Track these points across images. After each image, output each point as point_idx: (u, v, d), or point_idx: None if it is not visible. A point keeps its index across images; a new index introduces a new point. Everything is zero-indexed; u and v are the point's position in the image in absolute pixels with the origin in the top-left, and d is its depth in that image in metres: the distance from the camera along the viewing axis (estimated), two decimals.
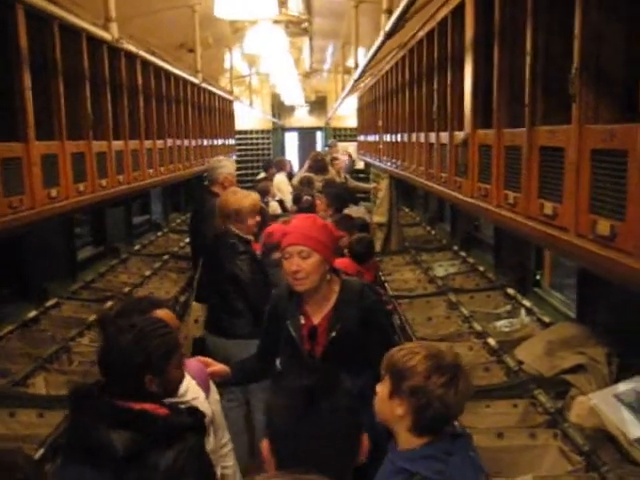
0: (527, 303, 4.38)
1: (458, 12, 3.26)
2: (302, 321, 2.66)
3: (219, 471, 2.48)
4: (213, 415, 2.54)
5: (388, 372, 1.90)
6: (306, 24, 5.89)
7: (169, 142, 5.91)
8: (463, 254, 6.20)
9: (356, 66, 5.26)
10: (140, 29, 4.77)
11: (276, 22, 5.01)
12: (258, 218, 4.06)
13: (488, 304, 4.76)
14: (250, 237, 4.03)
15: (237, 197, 3.94)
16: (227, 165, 5.19)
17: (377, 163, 7.76)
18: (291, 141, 18.73)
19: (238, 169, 9.42)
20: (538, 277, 4.59)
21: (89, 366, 3.78)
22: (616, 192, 1.66)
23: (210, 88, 7.74)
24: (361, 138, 10.41)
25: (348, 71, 8.95)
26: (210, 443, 2.39)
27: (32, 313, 4.32)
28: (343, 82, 9.12)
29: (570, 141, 1.88)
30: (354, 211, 6.10)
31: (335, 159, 10.45)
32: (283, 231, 2.76)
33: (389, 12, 3.05)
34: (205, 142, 7.99)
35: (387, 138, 6.55)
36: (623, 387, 2.86)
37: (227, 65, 9.03)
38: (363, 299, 2.67)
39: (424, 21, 3.99)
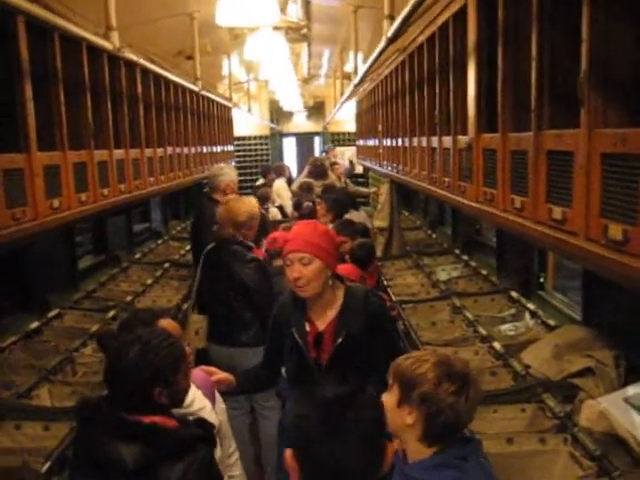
0: (531, 306, 4.37)
1: (459, 16, 3.26)
2: (307, 328, 2.64)
3: None
4: (220, 425, 2.53)
5: (396, 380, 1.88)
6: (305, 30, 5.89)
7: (169, 150, 5.91)
8: (465, 258, 6.18)
9: (356, 71, 5.26)
10: (138, 37, 4.76)
11: (276, 28, 5.01)
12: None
13: (492, 308, 4.75)
14: (252, 244, 4.02)
15: (247, 205, 3.94)
16: (228, 172, 5.18)
17: (377, 168, 7.76)
18: (289, 146, 18.76)
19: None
20: (542, 280, 4.58)
21: (93, 377, 3.76)
22: (628, 196, 1.65)
23: (209, 95, 7.74)
24: (360, 142, 10.41)
25: (346, 76, 8.96)
26: (217, 453, 2.37)
27: (34, 324, 4.30)
28: (342, 87, 9.12)
29: (579, 145, 1.87)
30: (355, 216, 6.09)
31: (335, 164, 10.44)
32: (285, 238, 2.75)
33: (391, 18, 3.04)
34: (204, 149, 7.98)
35: (387, 142, 6.55)
36: (632, 390, 2.84)
37: (225, 72, 9.03)
38: (368, 305, 2.66)
39: (424, 26, 3.98)
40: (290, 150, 18.75)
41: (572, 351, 3.39)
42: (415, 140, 4.75)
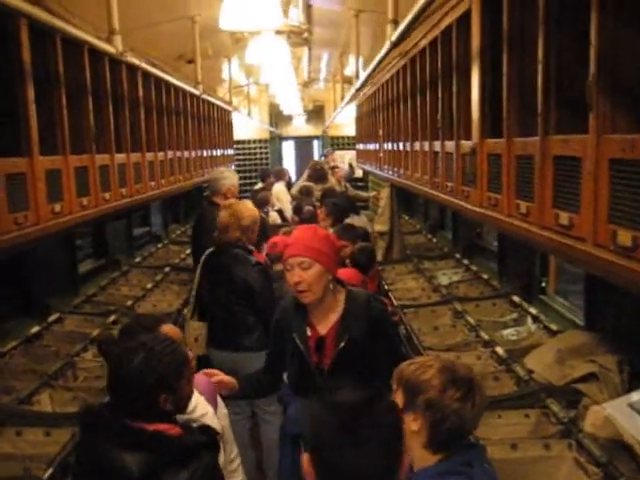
0: (533, 311, 4.36)
1: (463, 21, 3.25)
2: (308, 332, 2.64)
3: None
4: (222, 430, 2.52)
5: (400, 386, 1.87)
6: (306, 34, 5.90)
7: (170, 154, 5.90)
8: (466, 262, 6.18)
9: (357, 75, 5.25)
10: (139, 41, 4.75)
11: (278, 32, 5.01)
12: None
13: (494, 312, 4.74)
14: (253, 248, 4.01)
15: (249, 209, 3.93)
16: (230, 176, 5.17)
17: (377, 172, 7.75)
18: (288, 150, 18.77)
19: None
20: (543, 284, 4.58)
21: (94, 382, 3.75)
22: (637, 202, 1.64)
23: (210, 99, 7.73)
24: (360, 146, 10.40)
25: (346, 80, 8.96)
26: (220, 458, 2.36)
27: (35, 329, 4.28)
28: (342, 91, 9.12)
29: (587, 151, 1.86)
30: (356, 220, 6.07)
31: (335, 167, 10.43)
32: (286, 242, 2.74)
33: (395, 22, 3.04)
34: (205, 153, 7.98)
35: (388, 146, 6.54)
36: (637, 396, 2.83)
37: (224, 75, 9.03)
38: (370, 309, 2.65)
39: (427, 30, 3.98)
40: (289, 154, 18.76)
41: (575, 356, 3.38)
42: (417, 144, 4.74)
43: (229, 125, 10.75)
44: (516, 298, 4.68)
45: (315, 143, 18.57)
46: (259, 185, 10.32)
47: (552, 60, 2.15)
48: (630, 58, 1.76)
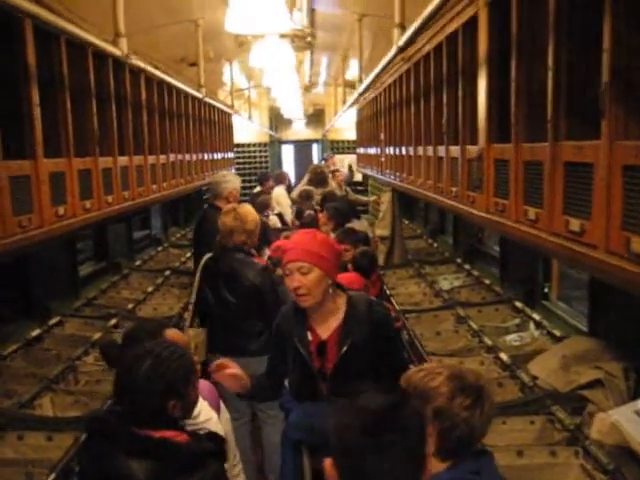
0: (536, 316, 4.35)
1: (469, 26, 3.25)
2: (310, 337, 2.62)
3: None
4: (226, 435, 2.50)
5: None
6: (309, 38, 5.90)
7: (171, 157, 5.88)
8: (467, 267, 6.17)
9: (360, 79, 5.24)
10: (142, 44, 4.74)
11: (282, 36, 5.01)
12: None
13: (496, 318, 4.73)
14: (254, 251, 3.99)
15: (252, 213, 3.91)
16: (232, 180, 5.16)
17: (379, 176, 7.73)
18: (287, 153, 18.78)
19: None
20: (546, 290, 4.57)
21: (96, 386, 3.73)
22: None
23: (211, 102, 7.72)
24: (360, 150, 10.39)
25: (348, 84, 8.96)
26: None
27: (35, 332, 4.26)
28: (344, 95, 9.11)
29: (600, 157, 1.85)
30: (357, 225, 6.07)
31: (337, 171, 10.41)
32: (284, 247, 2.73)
33: (402, 27, 3.03)
34: (206, 156, 7.96)
35: (390, 151, 6.53)
36: None
37: (225, 78, 9.02)
38: (372, 313, 2.64)
39: (431, 35, 3.97)
40: (288, 157, 18.77)
41: (580, 362, 3.37)
42: (420, 149, 4.73)
43: (230, 128, 10.74)
44: (518, 304, 4.67)
45: (314, 147, 18.58)
46: (257, 189, 10.30)
47: (563, 66, 2.14)
48: None
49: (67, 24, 2.90)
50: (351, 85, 8.77)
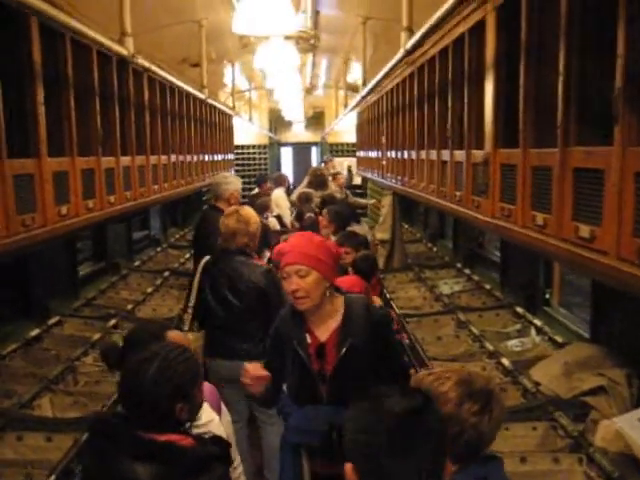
0: (537, 322, 4.34)
1: (476, 30, 3.24)
2: (308, 340, 2.60)
3: None
4: (228, 437, 2.48)
5: None
6: (313, 40, 5.89)
7: (173, 158, 5.86)
8: (467, 271, 6.15)
9: (364, 82, 5.23)
10: (145, 44, 4.72)
11: (287, 38, 5.00)
12: None
13: (497, 323, 4.72)
14: (255, 253, 3.97)
15: (253, 215, 3.89)
16: (234, 182, 5.14)
17: (379, 179, 7.72)
18: (286, 156, 18.78)
19: None
20: (547, 296, 4.56)
21: (95, 386, 3.71)
22: None
23: (213, 103, 7.71)
24: (361, 154, 10.37)
25: (349, 87, 8.95)
26: None
27: (35, 331, 4.24)
28: (346, 98, 9.09)
29: (611, 163, 1.84)
30: (357, 228, 6.05)
31: (338, 174, 10.39)
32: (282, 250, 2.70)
33: (410, 30, 3.02)
34: (206, 157, 7.95)
35: (392, 154, 6.51)
36: None
37: (226, 80, 9.01)
38: (371, 314, 2.62)
39: (436, 39, 3.95)
40: (287, 160, 18.77)
41: (583, 369, 3.36)
42: (423, 153, 4.72)
43: (230, 130, 10.73)
44: (519, 309, 4.66)
45: (313, 149, 18.58)
46: (255, 191, 10.28)
47: (574, 71, 2.13)
48: None
49: (73, 21, 2.88)
50: (352, 88, 8.76)
